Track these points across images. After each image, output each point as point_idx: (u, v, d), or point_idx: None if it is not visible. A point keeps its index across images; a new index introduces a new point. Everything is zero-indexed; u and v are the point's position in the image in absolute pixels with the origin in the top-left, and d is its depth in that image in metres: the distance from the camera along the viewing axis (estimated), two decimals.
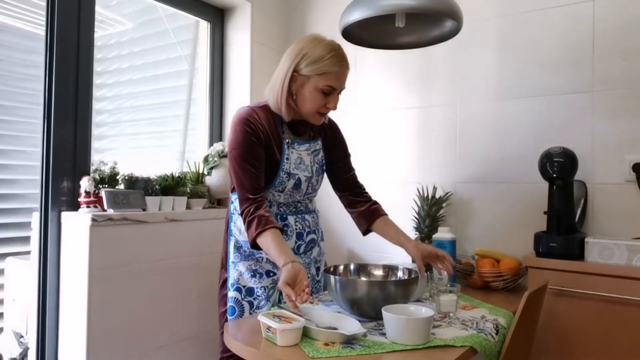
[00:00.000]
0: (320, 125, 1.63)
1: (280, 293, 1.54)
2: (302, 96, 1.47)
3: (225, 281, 1.57)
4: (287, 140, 1.53)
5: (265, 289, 1.52)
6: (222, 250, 1.62)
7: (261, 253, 1.52)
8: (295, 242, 1.57)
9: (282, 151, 1.51)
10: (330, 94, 1.47)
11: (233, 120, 1.50)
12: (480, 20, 2.10)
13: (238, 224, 1.55)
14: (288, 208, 1.58)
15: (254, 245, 1.42)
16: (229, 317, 1.52)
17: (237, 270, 1.54)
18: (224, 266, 1.60)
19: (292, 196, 1.56)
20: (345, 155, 1.72)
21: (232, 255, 1.55)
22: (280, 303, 1.53)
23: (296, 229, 1.58)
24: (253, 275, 1.53)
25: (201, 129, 2.48)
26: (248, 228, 1.41)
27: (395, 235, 1.62)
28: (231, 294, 1.53)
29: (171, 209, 1.95)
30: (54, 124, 1.75)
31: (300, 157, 1.55)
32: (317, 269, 1.68)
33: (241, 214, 1.45)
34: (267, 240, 1.37)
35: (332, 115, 1.63)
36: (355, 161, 1.75)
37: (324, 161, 1.66)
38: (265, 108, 1.53)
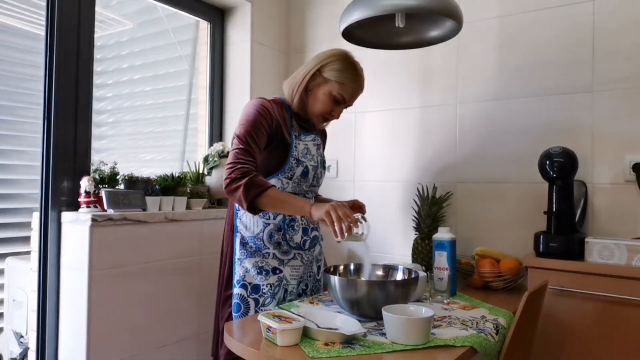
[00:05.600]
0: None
1: (285, 291, 1.55)
2: (315, 95, 1.59)
3: (229, 281, 1.58)
4: (294, 133, 1.60)
5: (271, 286, 1.53)
6: (225, 249, 1.63)
7: (268, 249, 1.54)
8: (302, 237, 1.59)
9: (291, 139, 1.58)
10: (340, 104, 1.60)
11: (247, 104, 1.57)
12: (480, 20, 2.10)
13: (244, 220, 1.57)
14: None
15: (253, 206, 1.41)
16: (233, 314, 1.52)
17: (243, 267, 1.54)
18: (225, 264, 1.60)
19: (299, 185, 1.59)
20: None
21: (237, 253, 1.56)
22: (285, 301, 1.54)
23: (302, 224, 1.61)
24: (259, 273, 1.53)
25: (201, 129, 2.49)
26: (247, 187, 1.39)
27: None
28: (236, 290, 1.53)
29: (171, 209, 1.95)
30: (54, 124, 1.75)
31: (306, 148, 1.62)
32: (318, 267, 1.69)
33: (230, 170, 1.42)
34: (276, 193, 1.43)
35: None
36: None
37: (324, 156, 1.74)
38: (278, 101, 1.62)
